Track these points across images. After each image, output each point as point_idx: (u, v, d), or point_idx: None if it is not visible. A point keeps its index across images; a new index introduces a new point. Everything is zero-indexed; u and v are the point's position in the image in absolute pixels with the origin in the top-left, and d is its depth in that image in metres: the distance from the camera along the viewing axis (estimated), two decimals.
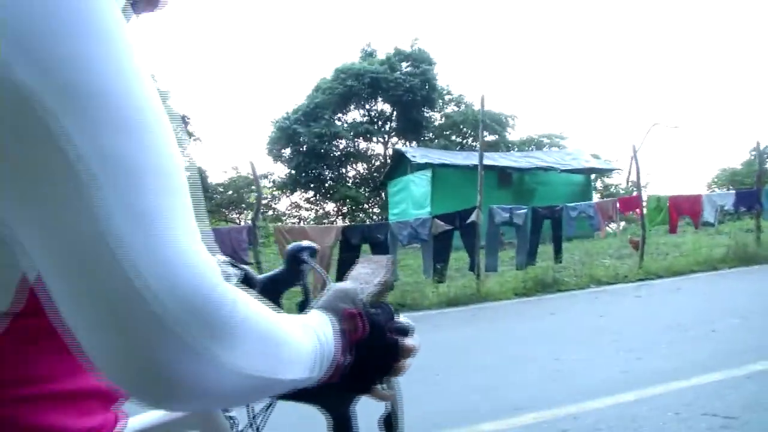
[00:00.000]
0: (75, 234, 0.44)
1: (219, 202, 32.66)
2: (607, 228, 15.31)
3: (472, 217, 10.52)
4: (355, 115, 32.72)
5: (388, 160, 28.74)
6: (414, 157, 20.84)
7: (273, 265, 15.15)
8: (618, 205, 12.63)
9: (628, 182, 32.38)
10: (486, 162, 21.64)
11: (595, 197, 25.56)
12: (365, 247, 10.35)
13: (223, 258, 0.84)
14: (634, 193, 13.18)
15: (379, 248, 10.23)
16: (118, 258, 0.44)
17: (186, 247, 0.47)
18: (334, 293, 0.73)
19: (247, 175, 33.05)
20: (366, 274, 1.01)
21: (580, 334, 7.03)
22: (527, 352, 6.32)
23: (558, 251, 11.55)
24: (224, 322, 0.49)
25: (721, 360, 5.44)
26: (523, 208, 11.12)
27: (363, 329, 0.73)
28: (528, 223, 11.11)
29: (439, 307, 9.86)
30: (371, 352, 0.74)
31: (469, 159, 21.05)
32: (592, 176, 28.45)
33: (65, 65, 0.44)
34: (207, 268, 0.49)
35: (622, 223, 20.71)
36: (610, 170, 25.38)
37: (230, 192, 33.02)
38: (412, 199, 21.31)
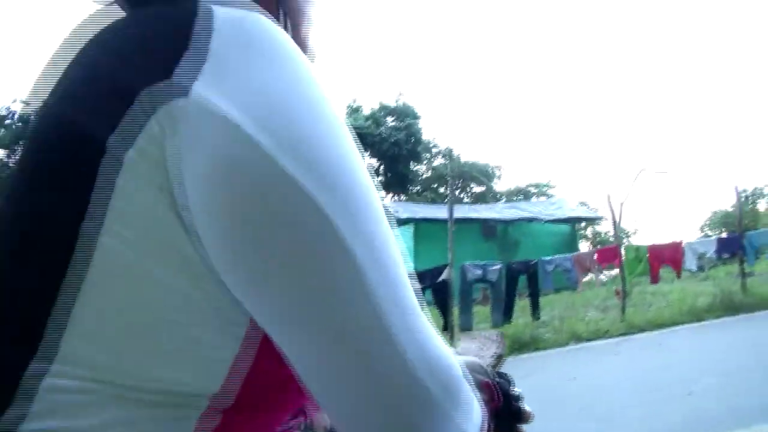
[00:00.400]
0: (349, 323, 0.48)
1: None
2: (589, 279, 14.91)
3: (444, 275, 10.14)
4: None
5: None
6: (396, 212, 20.59)
7: None
8: (596, 256, 12.23)
9: (615, 230, 32.22)
10: (469, 215, 21.55)
11: (585, 246, 25.28)
12: None
13: None
14: (620, 243, 12.86)
15: None
16: (396, 348, 0.48)
17: (433, 332, 0.53)
18: (463, 365, 0.66)
19: None
20: (474, 349, 1.12)
21: (549, 400, 6.55)
22: None
23: (535, 307, 11.13)
24: (459, 391, 0.53)
25: (694, 427, 5.04)
26: (497, 264, 10.77)
27: (498, 399, 0.75)
28: (502, 279, 10.73)
29: None
30: (501, 421, 0.75)
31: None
32: (582, 224, 28.27)
33: (325, 161, 0.48)
34: (446, 350, 0.54)
35: (612, 272, 20.31)
36: (594, 219, 25.08)
37: None
38: None
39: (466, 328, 10.53)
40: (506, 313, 10.74)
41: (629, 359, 8.67)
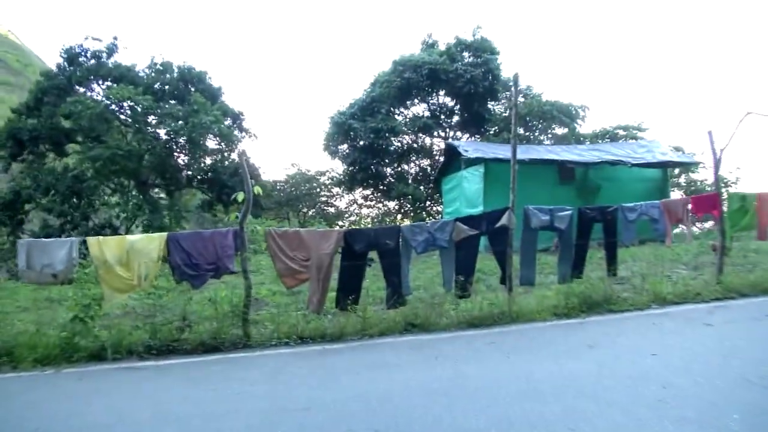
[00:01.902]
0: None
1: (278, 200, 31.68)
2: (680, 231, 12.79)
3: (503, 220, 8.56)
4: (417, 109, 30.96)
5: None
6: (466, 151, 18.82)
7: (263, 275, 13.49)
8: (691, 204, 10.19)
9: (716, 177, 28.88)
10: (545, 156, 19.51)
11: (677, 196, 22.64)
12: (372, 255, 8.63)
13: None
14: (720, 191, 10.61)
15: (389, 256, 8.46)
16: None
17: None
18: None
19: (305, 172, 31.97)
20: None
21: (617, 386, 5.02)
22: (534, 408, 4.42)
23: (611, 261, 9.39)
24: None
25: None
26: (567, 209, 9.03)
27: None
28: (573, 226, 9.02)
29: (458, 328, 8.00)
30: None
31: (527, 153, 18.85)
32: (675, 171, 25.43)
33: None
34: None
35: (707, 224, 17.72)
36: (690, 164, 22.12)
37: (289, 189, 31.98)
38: (465, 197, 19.31)
39: (528, 282, 8.95)
40: (576, 266, 9.07)
41: (726, 332, 6.91)
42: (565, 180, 18.51)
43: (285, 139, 76.51)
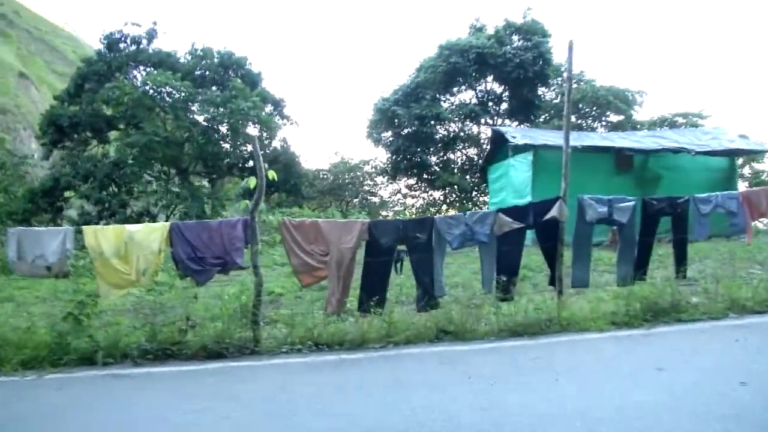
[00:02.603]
0: None
1: (321, 189, 30.83)
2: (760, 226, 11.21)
3: (553, 212, 7.31)
4: (464, 96, 29.57)
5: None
6: (514, 137, 17.44)
7: (276, 271, 12.33)
8: None
9: None
10: (600, 143, 17.95)
11: (742, 187, 20.67)
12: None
13: None
14: None
15: (419, 251, 7.33)
16: None
17: None
18: None
19: (348, 161, 31.00)
20: None
21: (701, 427, 3.79)
22: None
23: (681, 261, 8.01)
24: None
25: None
26: (630, 200, 7.71)
27: None
28: (636, 219, 7.70)
29: (498, 337, 6.82)
30: None
31: (579, 140, 17.33)
32: (738, 161, 23.37)
33: None
34: None
35: None
36: (761, 152, 20.01)
37: (332, 178, 31.07)
38: (512, 187, 17.95)
39: (581, 283, 7.69)
40: (639, 266, 7.75)
41: None
42: (622, 169, 16.93)
43: (329, 127, 75.67)
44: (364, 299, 7.14)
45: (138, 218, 21.86)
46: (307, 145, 70.31)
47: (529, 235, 7.85)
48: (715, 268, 9.68)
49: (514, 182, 17.86)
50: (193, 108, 22.85)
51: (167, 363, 6.47)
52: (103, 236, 7.09)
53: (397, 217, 20.87)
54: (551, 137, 17.17)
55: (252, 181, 7.39)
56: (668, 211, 7.83)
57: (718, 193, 8.34)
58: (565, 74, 7.79)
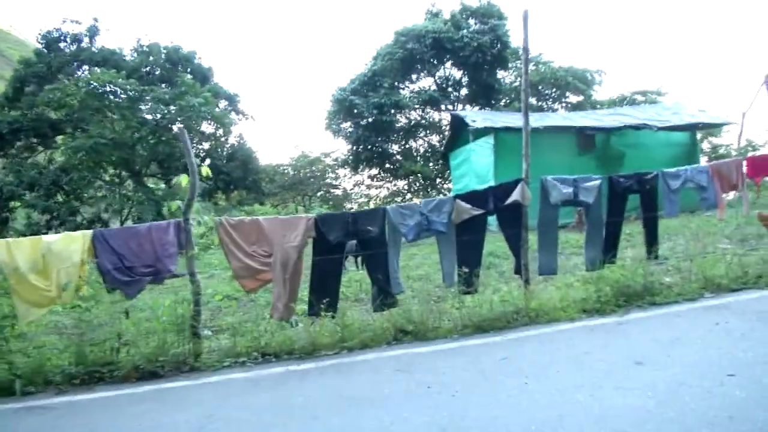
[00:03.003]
0: None
1: (282, 184, 29.95)
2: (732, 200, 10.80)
3: (515, 195, 6.72)
4: (424, 83, 28.95)
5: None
6: (474, 121, 16.89)
7: (216, 280, 11.50)
8: (746, 166, 8.22)
9: (739, 141, 26.63)
10: (562, 123, 17.50)
11: (702, 162, 20.47)
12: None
13: None
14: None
15: (372, 246, 6.67)
16: None
17: None
18: None
19: (308, 154, 30.15)
20: None
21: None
22: None
23: (652, 240, 7.50)
24: None
25: None
26: (595, 179, 7.16)
27: None
28: (602, 199, 7.15)
29: (462, 335, 6.21)
30: None
31: (541, 120, 16.90)
32: (698, 137, 23.22)
33: None
34: None
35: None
36: (722, 124, 19.68)
37: (293, 173, 30.21)
38: (474, 172, 17.43)
39: (549, 271, 7.13)
40: (608, 248, 7.22)
41: None
42: (584, 149, 16.53)
43: (289, 121, 74.08)
44: (315, 302, 6.46)
45: (89, 225, 20.77)
46: (266, 140, 68.87)
47: (495, 220, 7.25)
48: (686, 246, 9.23)
49: (476, 167, 17.34)
50: (142, 107, 21.78)
51: (95, 388, 5.72)
52: (17, 249, 6.25)
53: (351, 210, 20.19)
54: (512, 119, 16.66)
55: (184, 179, 6.65)
56: (636, 189, 7.30)
57: (687, 167, 7.84)
58: (521, 48, 7.12)
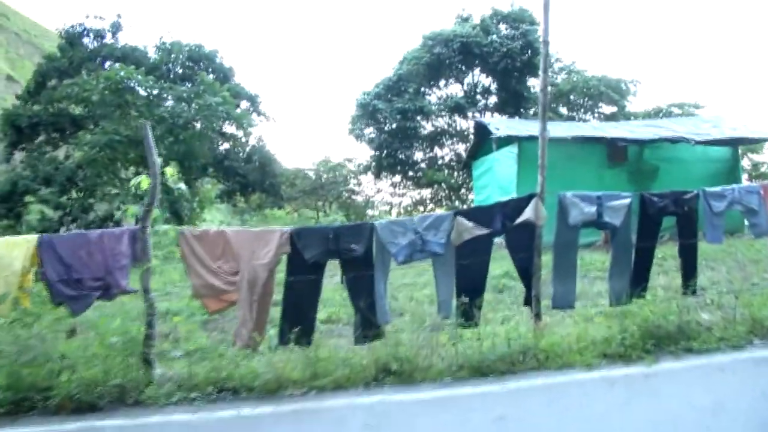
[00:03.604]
0: None
1: (303, 188, 29.08)
2: None
3: (527, 213, 5.63)
4: (452, 89, 27.84)
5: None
6: (497, 129, 15.75)
7: (176, 299, 10.14)
8: None
9: None
10: (592, 133, 16.25)
11: (744, 180, 18.93)
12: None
13: None
14: None
15: (356, 268, 5.65)
16: None
17: None
18: None
19: (328, 159, 29.25)
20: None
21: None
22: None
23: (690, 273, 6.30)
24: None
25: None
26: (624, 197, 5.99)
27: None
28: (631, 221, 6.00)
29: (456, 378, 5.14)
30: None
31: (569, 130, 15.67)
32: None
33: None
34: None
35: None
36: (764, 140, 17.88)
37: (314, 177, 29.32)
38: (497, 183, 16.26)
39: (564, 304, 6.00)
40: (637, 280, 6.05)
41: None
42: (615, 161, 15.23)
43: (314, 125, 73.19)
44: (286, 329, 5.46)
45: (101, 223, 20.19)
46: (289, 143, 68.13)
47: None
48: (728, 275, 7.99)
49: (498, 178, 16.18)
50: (160, 105, 21.13)
51: (22, 420, 4.83)
52: None
53: (382, 219, 19.19)
54: (537, 128, 15.44)
55: (144, 181, 5.74)
56: (672, 210, 6.12)
57: (734, 186, 6.61)
58: (540, 36, 6.04)
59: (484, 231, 5.64)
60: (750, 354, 5.31)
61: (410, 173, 27.21)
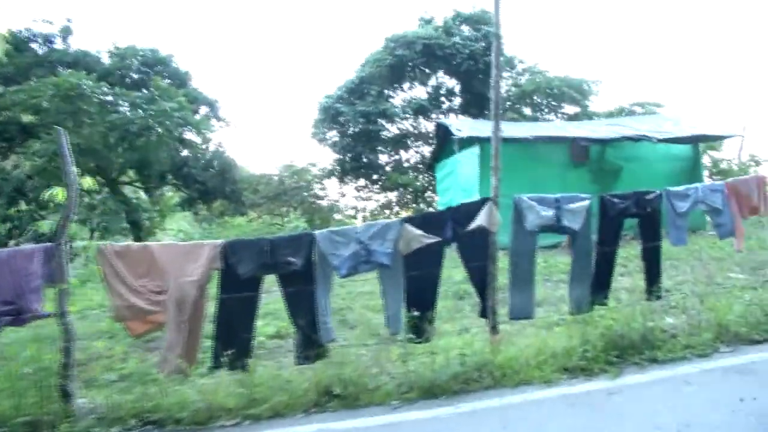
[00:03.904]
0: None
1: (266, 194, 28.37)
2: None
3: (480, 219, 5.21)
4: (417, 92, 27.45)
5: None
6: (459, 130, 15.38)
7: (95, 322, 9.20)
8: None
9: (740, 155, 25.03)
10: (553, 133, 16.01)
11: (705, 178, 18.89)
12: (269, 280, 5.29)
13: None
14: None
15: (295, 283, 5.15)
16: None
17: None
18: None
19: (292, 164, 28.61)
20: None
21: None
22: None
23: (653, 277, 5.95)
24: None
25: None
26: (582, 198, 5.61)
27: None
28: (589, 225, 5.62)
29: (405, 400, 4.68)
30: None
31: (531, 130, 15.40)
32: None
33: None
34: None
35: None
36: (727, 137, 17.63)
37: (278, 183, 28.62)
38: (459, 185, 15.90)
39: (522, 314, 5.59)
40: (598, 286, 5.68)
41: None
42: (577, 161, 14.97)
43: (277, 130, 71.89)
44: (219, 352, 4.94)
45: (53, 236, 19.26)
46: (252, 149, 66.86)
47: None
48: (692, 275, 7.70)
49: (460, 180, 15.82)
50: (113, 112, 20.29)
51: None
52: None
53: (349, 225, 18.67)
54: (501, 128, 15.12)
55: (59, 193, 5.15)
56: (634, 212, 5.77)
57: (697, 185, 6.27)
58: (493, 34, 5.69)
59: (433, 239, 5.20)
60: (717, 363, 4.96)
61: (375, 177, 26.74)
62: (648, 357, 5.09)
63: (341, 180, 27.38)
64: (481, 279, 5.36)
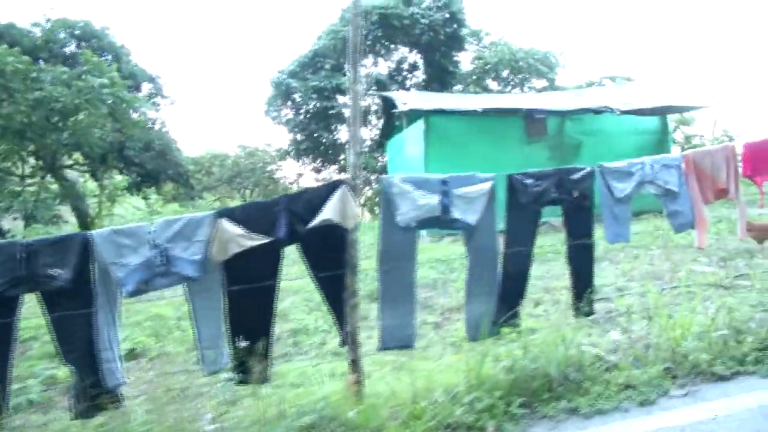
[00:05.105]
0: None
1: (220, 177, 26.56)
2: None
3: (329, 212, 3.55)
4: (381, 68, 25.61)
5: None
6: (404, 103, 13.71)
7: None
8: (742, 154, 4.96)
9: (713, 130, 23.73)
10: (504, 104, 14.37)
11: (677, 152, 17.28)
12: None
13: None
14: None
15: (64, 302, 3.48)
16: None
17: None
18: None
19: (245, 145, 26.78)
20: None
21: None
22: None
23: (582, 288, 4.32)
24: None
25: None
26: (481, 180, 3.96)
27: None
28: (492, 217, 3.98)
29: None
30: None
31: (483, 102, 13.74)
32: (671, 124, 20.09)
33: None
34: None
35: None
36: (696, 108, 15.84)
37: (232, 164, 26.80)
38: (408, 163, 14.25)
39: (399, 342, 3.96)
40: (506, 304, 4.05)
41: None
42: (534, 136, 13.35)
43: (232, 109, 69.34)
44: None
45: None
46: (205, 129, 64.54)
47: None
48: (641, 286, 6.12)
49: (408, 158, 14.17)
50: (39, 89, 18.26)
51: None
52: None
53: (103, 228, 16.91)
54: (448, 101, 13.48)
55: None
56: (556, 196, 4.13)
57: (644, 159, 4.59)
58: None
59: (260, 240, 3.54)
60: (665, 416, 3.38)
61: (331, 156, 24.98)
62: (566, 407, 3.49)
63: (298, 160, 25.60)
64: (335, 295, 3.72)
